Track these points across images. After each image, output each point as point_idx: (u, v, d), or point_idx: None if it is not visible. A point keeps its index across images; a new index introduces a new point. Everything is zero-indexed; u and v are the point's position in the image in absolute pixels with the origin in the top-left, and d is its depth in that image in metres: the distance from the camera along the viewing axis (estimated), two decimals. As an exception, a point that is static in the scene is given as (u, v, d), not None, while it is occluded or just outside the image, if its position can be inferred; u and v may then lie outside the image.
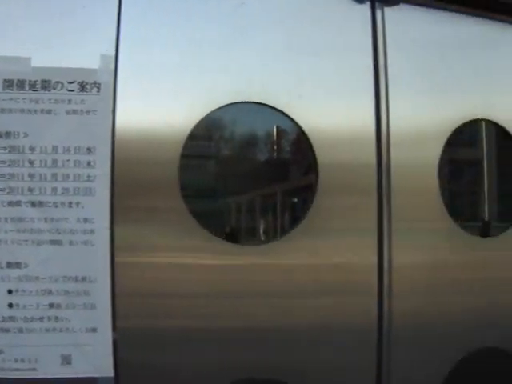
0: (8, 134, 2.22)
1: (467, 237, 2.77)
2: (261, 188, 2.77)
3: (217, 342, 2.39)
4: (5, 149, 2.21)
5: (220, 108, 2.48)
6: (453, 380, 2.71)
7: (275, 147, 2.80)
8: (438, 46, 2.79)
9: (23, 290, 2.20)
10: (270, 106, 2.54)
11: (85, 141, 2.26)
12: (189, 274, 2.41)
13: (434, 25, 2.82)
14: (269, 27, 2.60)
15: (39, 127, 2.24)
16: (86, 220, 2.24)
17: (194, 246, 2.43)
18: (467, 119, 2.76)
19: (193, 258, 2.44)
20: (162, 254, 2.40)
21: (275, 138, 2.75)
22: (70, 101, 2.26)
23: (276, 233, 2.69)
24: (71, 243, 2.23)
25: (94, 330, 2.24)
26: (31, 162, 2.22)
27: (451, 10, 2.86)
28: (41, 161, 2.22)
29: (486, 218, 3.05)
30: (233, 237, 2.56)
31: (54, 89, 2.26)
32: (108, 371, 2.24)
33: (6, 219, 2.20)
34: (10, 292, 2.19)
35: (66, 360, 2.22)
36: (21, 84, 2.25)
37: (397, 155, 2.64)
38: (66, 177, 2.24)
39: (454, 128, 2.72)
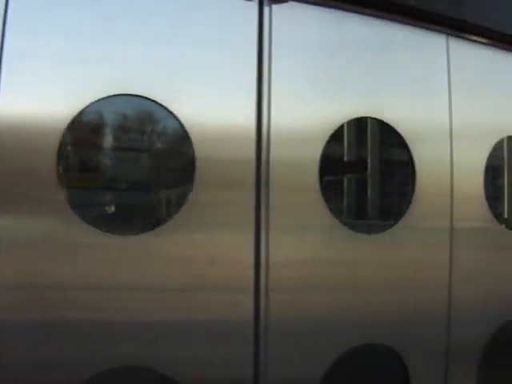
0: None
1: (349, 234, 2.81)
2: (137, 180, 2.76)
3: (84, 335, 2.38)
4: None
5: (100, 100, 2.46)
6: (332, 376, 2.75)
7: (154, 140, 2.79)
8: (325, 45, 2.82)
9: None
10: (150, 99, 2.52)
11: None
12: (60, 265, 2.39)
13: (323, 24, 2.85)
14: (152, 19, 2.58)
15: None
16: None
17: (70, 236, 2.39)
18: (350, 117, 2.80)
19: (67, 248, 2.40)
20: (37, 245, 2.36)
21: (154, 130, 2.74)
22: None
23: (150, 225, 2.67)
24: None
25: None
26: None
27: (342, 9, 2.89)
28: None
29: (370, 216, 3.09)
30: (107, 227, 2.53)
31: None
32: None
33: None
34: None
35: None
36: None
37: (277, 152, 2.65)
38: None
39: (336, 126, 2.76)
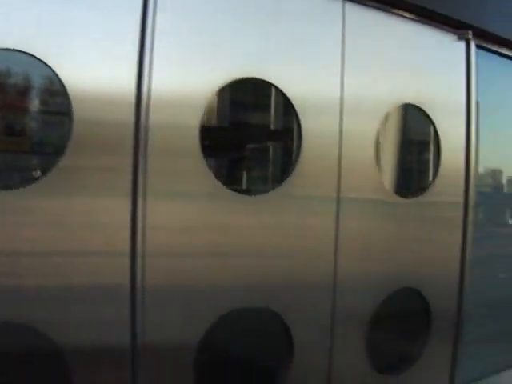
0: None
1: (232, 199, 2.80)
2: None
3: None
4: None
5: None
6: (211, 338, 2.80)
7: (32, 96, 2.70)
8: (209, 7, 2.75)
9: None
10: (29, 54, 2.39)
11: None
12: None
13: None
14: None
15: None
16: None
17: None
18: (234, 81, 2.76)
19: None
20: None
21: (32, 87, 2.65)
22: None
23: (21, 186, 2.58)
24: None
25: None
26: None
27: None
28: None
29: (253, 181, 3.10)
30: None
31: None
32: None
33: None
34: None
35: None
36: None
37: (157, 116, 2.61)
38: None
39: (219, 90, 2.72)
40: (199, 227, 2.73)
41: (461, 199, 3.70)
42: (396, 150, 3.62)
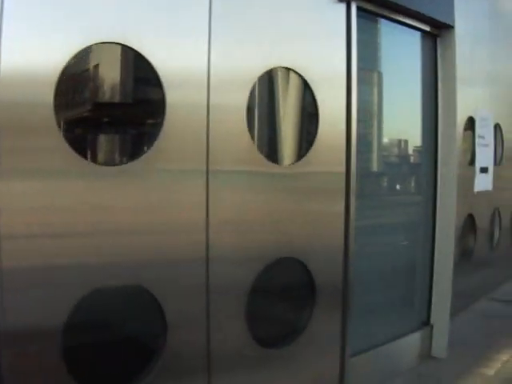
0: None
1: (95, 175, 2.61)
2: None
3: None
4: None
5: None
6: (75, 318, 2.59)
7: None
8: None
9: None
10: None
11: None
12: None
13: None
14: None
15: None
16: None
17: None
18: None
19: None
20: None
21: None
22: None
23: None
24: None
25: None
26: None
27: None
28: None
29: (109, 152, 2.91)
30: None
31: None
32: None
33: None
34: None
35: None
36: None
37: (8, 94, 2.35)
38: None
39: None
40: (58, 205, 2.52)
41: (343, 168, 3.63)
42: (274, 118, 3.48)
